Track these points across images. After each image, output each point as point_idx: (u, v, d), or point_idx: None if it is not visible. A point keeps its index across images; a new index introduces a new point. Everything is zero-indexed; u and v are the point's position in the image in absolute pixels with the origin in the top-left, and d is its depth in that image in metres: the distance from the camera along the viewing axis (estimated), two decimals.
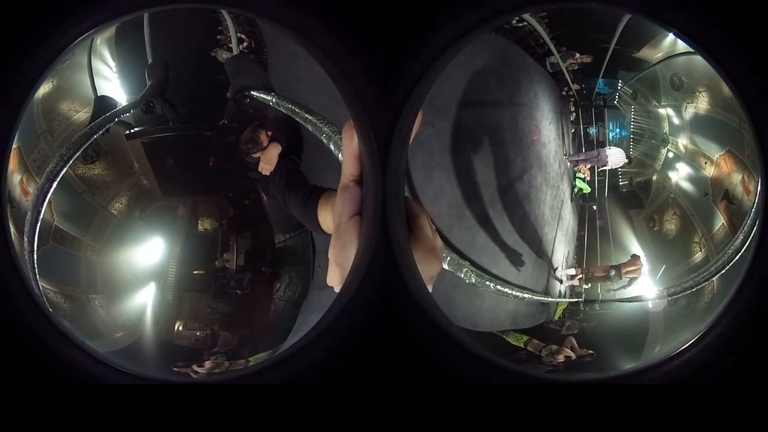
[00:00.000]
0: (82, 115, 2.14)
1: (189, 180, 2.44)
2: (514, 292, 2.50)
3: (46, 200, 2.17)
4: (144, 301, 2.37)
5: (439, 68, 1.76)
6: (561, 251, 2.80)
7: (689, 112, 2.34)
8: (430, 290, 1.71)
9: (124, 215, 2.37)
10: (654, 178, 2.54)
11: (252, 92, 2.72)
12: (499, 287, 2.47)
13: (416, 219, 1.84)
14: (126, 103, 2.22)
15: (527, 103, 2.80)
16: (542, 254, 2.80)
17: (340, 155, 2.23)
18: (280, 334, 2.43)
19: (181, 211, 2.38)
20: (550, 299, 2.58)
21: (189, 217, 2.42)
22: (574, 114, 2.84)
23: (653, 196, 2.50)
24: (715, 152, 2.14)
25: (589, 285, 2.84)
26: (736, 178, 1.97)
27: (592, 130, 2.80)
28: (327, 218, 2.26)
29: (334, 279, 1.97)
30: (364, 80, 1.62)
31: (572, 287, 2.87)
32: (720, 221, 1.94)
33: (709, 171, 2.14)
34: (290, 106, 2.48)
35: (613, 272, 2.72)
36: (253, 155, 2.56)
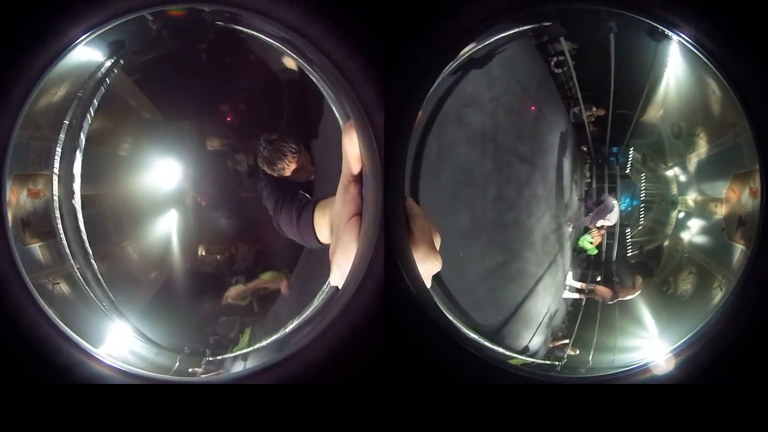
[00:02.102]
0: (60, 92, 2.13)
1: (189, 101, 2.41)
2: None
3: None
4: (168, 231, 2.40)
5: (439, 68, 1.77)
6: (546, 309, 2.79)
7: (693, 163, 2.36)
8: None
9: (133, 153, 2.37)
10: (665, 243, 2.52)
11: None
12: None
13: (416, 219, 1.85)
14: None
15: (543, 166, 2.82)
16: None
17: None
18: (292, 246, 2.44)
19: (187, 134, 2.40)
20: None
21: (197, 138, 2.43)
22: (588, 178, 2.84)
23: (665, 262, 2.49)
24: (723, 188, 2.13)
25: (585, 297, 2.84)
26: (746, 197, 1.97)
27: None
28: (324, 228, 2.25)
29: (336, 279, 1.97)
30: (364, 80, 1.62)
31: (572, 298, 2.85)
32: (739, 249, 1.93)
33: (721, 211, 2.13)
34: None
35: (613, 299, 2.72)
36: (288, 166, 2.41)
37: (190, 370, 2.30)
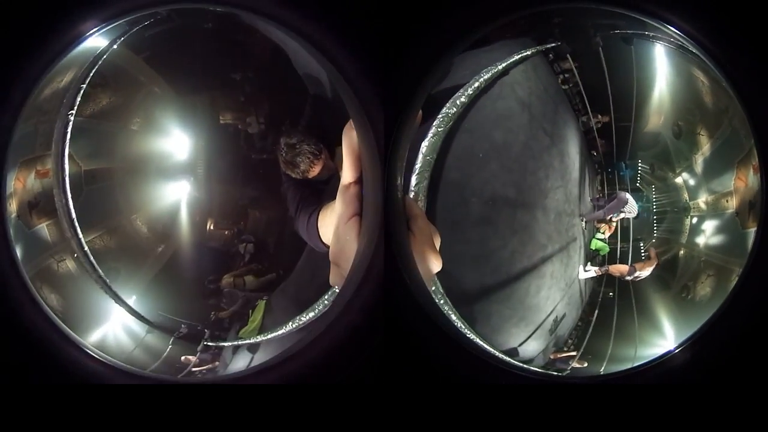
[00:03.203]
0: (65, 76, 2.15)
1: (201, 75, 2.41)
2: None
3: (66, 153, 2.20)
4: (177, 201, 2.40)
5: (439, 68, 1.77)
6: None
7: (699, 163, 2.35)
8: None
9: (145, 128, 2.38)
10: (681, 252, 2.50)
11: None
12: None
13: (416, 219, 1.85)
14: None
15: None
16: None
17: None
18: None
19: (200, 108, 2.40)
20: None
21: (210, 111, 2.42)
22: (600, 186, 2.83)
23: (682, 270, 2.46)
24: (730, 180, 2.12)
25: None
26: (752, 178, 1.96)
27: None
28: (328, 230, 2.22)
29: (336, 279, 1.97)
30: (363, 80, 1.62)
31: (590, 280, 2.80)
32: (752, 233, 1.90)
33: (733, 203, 2.12)
34: None
35: (631, 273, 2.67)
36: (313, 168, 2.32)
37: (182, 358, 2.29)
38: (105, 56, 2.22)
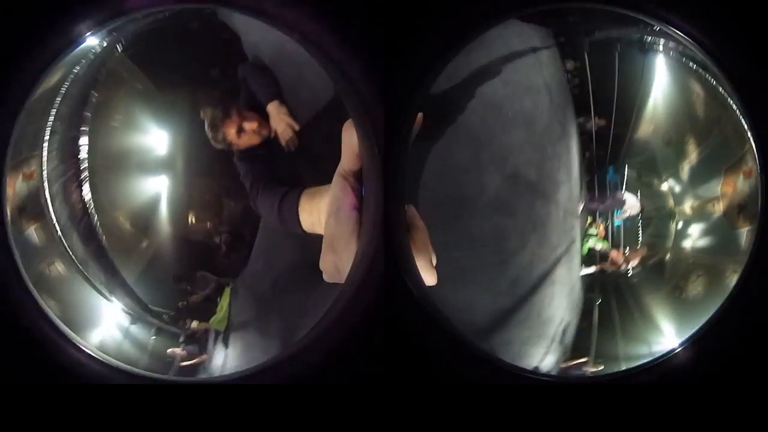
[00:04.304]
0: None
1: (182, 71, 2.41)
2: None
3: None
4: (158, 196, 2.41)
5: (439, 68, 1.77)
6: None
7: (686, 171, 2.36)
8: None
9: (125, 124, 2.39)
10: (668, 257, 2.50)
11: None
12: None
13: (418, 232, 1.87)
14: None
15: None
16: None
17: None
18: None
19: (180, 104, 2.40)
20: None
21: (189, 107, 2.43)
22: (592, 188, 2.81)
23: (670, 273, 2.46)
24: (717, 186, 2.13)
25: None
26: (741, 183, 1.97)
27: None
28: (311, 216, 2.15)
29: (328, 265, 1.97)
30: (364, 80, 1.62)
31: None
32: (744, 232, 1.91)
33: (720, 208, 2.13)
34: None
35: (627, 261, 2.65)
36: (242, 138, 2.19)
37: (168, 351, 2.28)
38: (95, 57, 2.22)
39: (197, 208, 2.52)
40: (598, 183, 2.73)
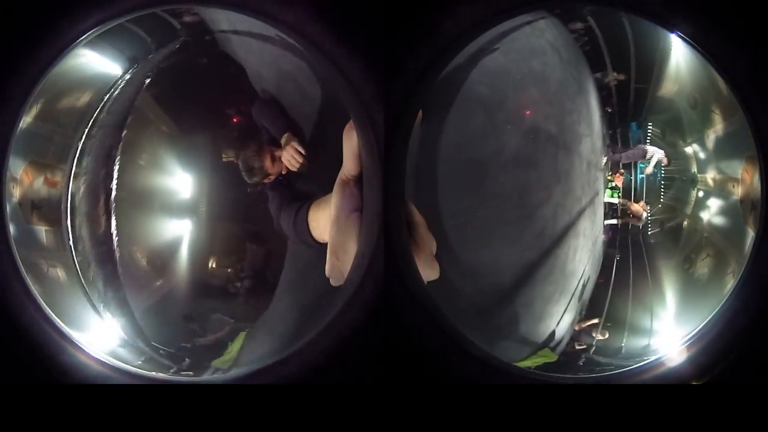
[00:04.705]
0: (84, 97, 2.22)
1: (203, 114, 2.45)
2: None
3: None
4: (179, 238, 2.43)
5: (439, 68, 1.77)
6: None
7: (711, 139, 2.31)
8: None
9: (150, 164, 2.42)
10: (685, 223, 2.46)
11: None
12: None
13: (417, 227, 1.87)
14: None
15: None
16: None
17: None
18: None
19: (202, 146, 2.44)
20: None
21: (212, 150, 2.47)
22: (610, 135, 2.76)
23: (685, 241, 2.43)
24: (739, 168, 2.09)
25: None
26: (757, 180, 1.94)
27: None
28: (319, 225, 2.25)
29: (332, 271, 1.98)
30: (364, 80, 1.62)
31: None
32: (750, 235, 1.89)
33: (738, 191, 2.10)
34: None
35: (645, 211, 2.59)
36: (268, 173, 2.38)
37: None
38: (118, 90, 2.28)
39: (219, 254, 2.54)
40: (621, 137, 2.69)
